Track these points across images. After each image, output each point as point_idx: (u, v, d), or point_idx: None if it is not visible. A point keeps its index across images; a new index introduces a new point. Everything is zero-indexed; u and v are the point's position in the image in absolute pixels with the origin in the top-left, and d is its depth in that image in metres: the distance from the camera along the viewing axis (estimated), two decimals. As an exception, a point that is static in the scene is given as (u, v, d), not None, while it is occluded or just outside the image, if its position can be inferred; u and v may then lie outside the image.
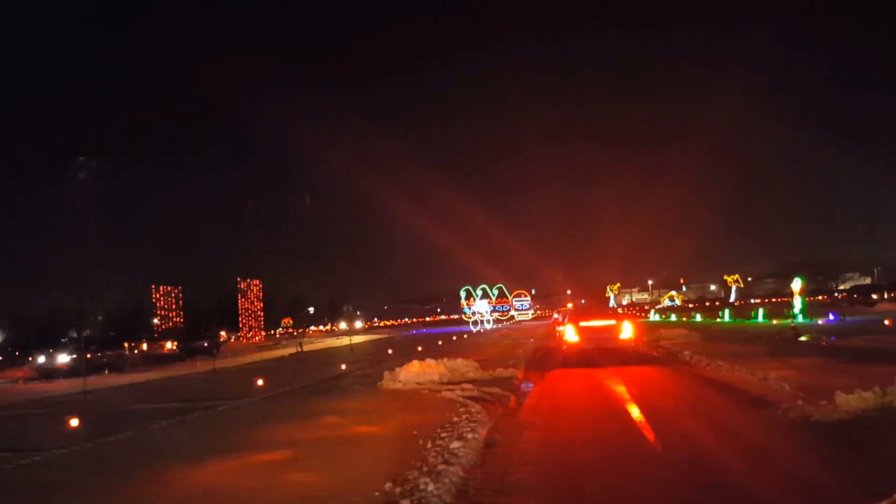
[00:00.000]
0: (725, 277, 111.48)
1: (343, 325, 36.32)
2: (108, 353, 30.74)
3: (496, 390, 12.77)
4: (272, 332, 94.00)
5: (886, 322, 26.92)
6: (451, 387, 13.96)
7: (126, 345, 34.52)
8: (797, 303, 36.66)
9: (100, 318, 45.53)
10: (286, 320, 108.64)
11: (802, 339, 23.79)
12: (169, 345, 35.89)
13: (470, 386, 13.52)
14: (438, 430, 8.44)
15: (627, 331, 19.94)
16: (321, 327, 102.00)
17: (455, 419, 9.28)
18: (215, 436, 9.99)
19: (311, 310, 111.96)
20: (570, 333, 20.11)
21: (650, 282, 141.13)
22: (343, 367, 21.83)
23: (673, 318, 58.27)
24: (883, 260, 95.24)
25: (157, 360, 34.97)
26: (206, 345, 37.18)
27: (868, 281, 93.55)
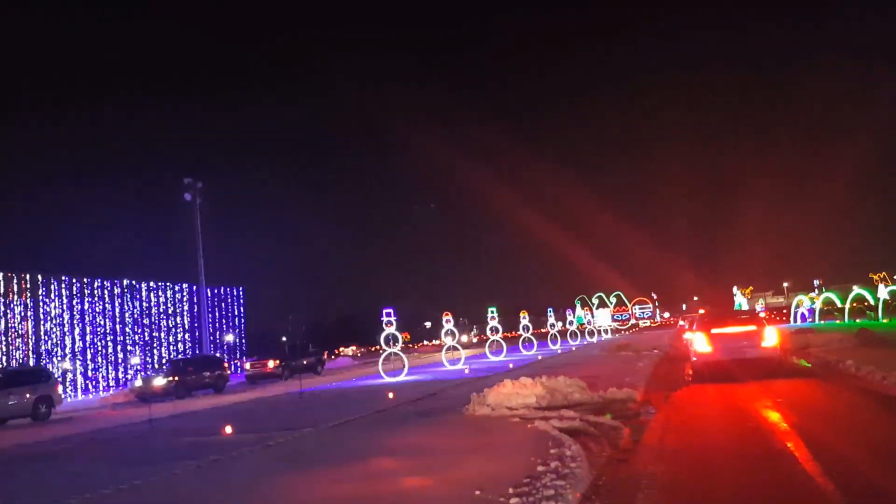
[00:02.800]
0: (871, 276, 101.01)
1: (449, 340, 34.17)
2: (205, 374, 30.04)
3: (605, 419, 9.95)
4: (379, 348, 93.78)
5: None
6: (548, 413, 11.26)
7: (226, 365, 33.71)
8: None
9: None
10: (404, 335, 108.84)
11: None
12: (271, 363, 34.84)
13: (571, 413, 10.74)
14: (510, 491, 5.82)
15: (771, 337, 16.47)
16: (434, 342, 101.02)
17: (540, 468, 6.62)
18: (218, 491, 7.67)
19: (429, 324, 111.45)
20: (699, 343, 16.94)
21: (785, 284, 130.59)
22: (433, 388, 19.49)
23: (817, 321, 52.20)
24: None
25: (260, 379, 34.12)
26: (305, 363, 35.98)
27: None
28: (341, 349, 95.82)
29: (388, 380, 24.61)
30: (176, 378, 28.07)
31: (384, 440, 9.79)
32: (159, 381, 27.71)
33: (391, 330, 27.00)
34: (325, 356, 53.25)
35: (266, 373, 34.42)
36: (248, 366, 36.40)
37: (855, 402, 10.38)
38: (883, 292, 50.07)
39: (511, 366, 26.16)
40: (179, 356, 40.24)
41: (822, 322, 48.49)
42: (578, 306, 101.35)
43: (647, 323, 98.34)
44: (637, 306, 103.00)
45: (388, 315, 26.92)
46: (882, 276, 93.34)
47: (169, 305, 43.64)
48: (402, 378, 24.96)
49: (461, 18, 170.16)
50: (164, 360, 38.27)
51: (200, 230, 43.59)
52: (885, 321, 40.03)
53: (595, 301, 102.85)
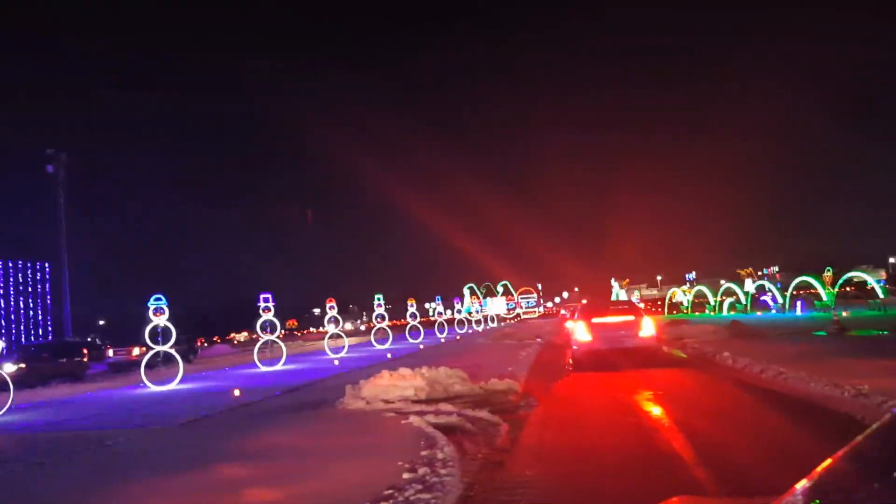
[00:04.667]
0: (738, 271, 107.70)
1: (332, 328, 32.70)
2: (61, 361, 27.37)
3: (484, 414, 9.29)
4: (268, 334, 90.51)
5: None
6: (426, 407, 10.53)
7: (86, 351, 30.88)
8: (829, 294, 33.14)
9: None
10: (290, 322, 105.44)
11: (847, 333, 20.30)
12: (136, 350, 32.27)
13: (450, 407, 10.04)
14: (368, 506, 4.98)
15: (649, 328, 16.71)
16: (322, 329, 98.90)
17: (407, 475, 5.81)
18: None
19: (317, 311, 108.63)
20: (580, 332, 16.89)
21: (659, 277, 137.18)
22: (309, 378, 18.40)
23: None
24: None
25: (125, 367, 31.57)
26: (173, 351, 33.58)
27: (883, 274, 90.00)
28: (233, 335, 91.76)
29: (263, 369, 23.27)
30: (24, 366, 25.33)
31: (241, 440, 8.69)
32: (9, 368, 24.93)
33: (268, 316, 25.60)
34: (200, 343, 50.59)
35: (130, 360, 31.92)
36: (110, 353, 33.66)
37: (738, 397, 10.22)
38: (750, 286, 53.10)
39: (389, 356, 25.05)
40: (40, 341, 36.74)
41: (696, 314, 50.83)
42: (467, 295, 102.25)
43: (534, 313, 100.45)
44: (522, 296, 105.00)
45: (266, 301, 25.48)
46: (749, 272, 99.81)
47: (29, 286, 39.96)
48: (278, 367, 23.66)
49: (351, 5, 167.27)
50: (13, 346, 34.80)
51: (64, 205, 40.17)
52: (757, 313, 42.35)
53: (483, 290, 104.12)
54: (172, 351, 22.23)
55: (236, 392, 14.45)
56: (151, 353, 22.75)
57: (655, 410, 9.15)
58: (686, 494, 2.91)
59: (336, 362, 24.44)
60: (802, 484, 1.57)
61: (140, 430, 10.89)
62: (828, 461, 1.57)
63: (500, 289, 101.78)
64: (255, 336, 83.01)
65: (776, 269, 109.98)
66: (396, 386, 12.26)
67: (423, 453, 6.75)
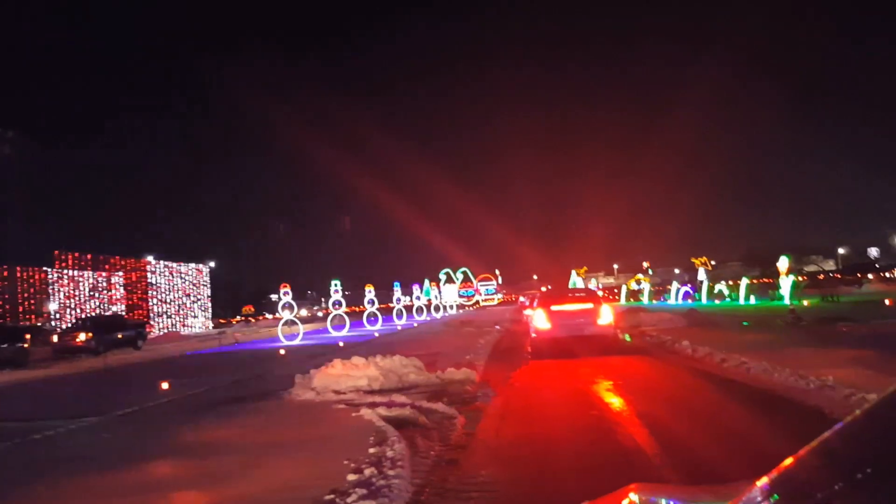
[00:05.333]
0: (693, 259, 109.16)
1: (286, 314, 31.72)
2: (1, 347, 26.09)
3: (439, 406, 8.83)
4: (225, 320, 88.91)
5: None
6: (379, 398, 10.05)
7: (27, 336, 29.55)
8: (785, 283, 33.52)
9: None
10: (247, 308, 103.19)
11: (803, 323, 20.38)
12: (82, 336, 31.04)
13: (403, 399, 9.56)
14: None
15: (607, 315, 16.53)
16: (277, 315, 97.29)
17: (351, 477, 5.31)
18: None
19: (274, 297, 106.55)
20: (539, 319, 16.63)
21: (615, 266, 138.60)
22: (261, 365, 17.75)
23: (645, 300, 55.20)
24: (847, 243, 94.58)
25: (70, 352, 30.36)
26: (122, 336, 32.43)
27: (831, 265, 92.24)
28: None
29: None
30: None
31: (180, 434, 8.09)
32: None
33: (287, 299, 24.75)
34: (150, 329, 49.16)
35: (76, 346, 30.71)
36: (54, 338, 32.34)
37: (699, 388, 9.91)
38: (703, 275, 53.70)
39: (341, 343, 24.06)
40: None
41: (654, 302, 51.24)
42: (427, 281, 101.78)
43: (494, 300, 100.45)
44: (482, 283, 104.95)
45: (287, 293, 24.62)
46: (703, 261, 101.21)
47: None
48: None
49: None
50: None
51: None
52: (715, 302, 42.75)
53: (443, 277, 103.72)
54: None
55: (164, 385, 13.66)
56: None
57: (616, 402, 8.79)
58: (643, 481, 2.67)
59: (282, 351, 23.65)
60: (763, 481, 1.51)
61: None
62: (789, 459, 1.50)
63: (459, 276, 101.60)
64: (218, 321, 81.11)
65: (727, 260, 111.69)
66: (349, 376, 11.75)
67: (372, 450, 6.26)
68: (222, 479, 5.65)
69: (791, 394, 8.39)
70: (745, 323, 21.52)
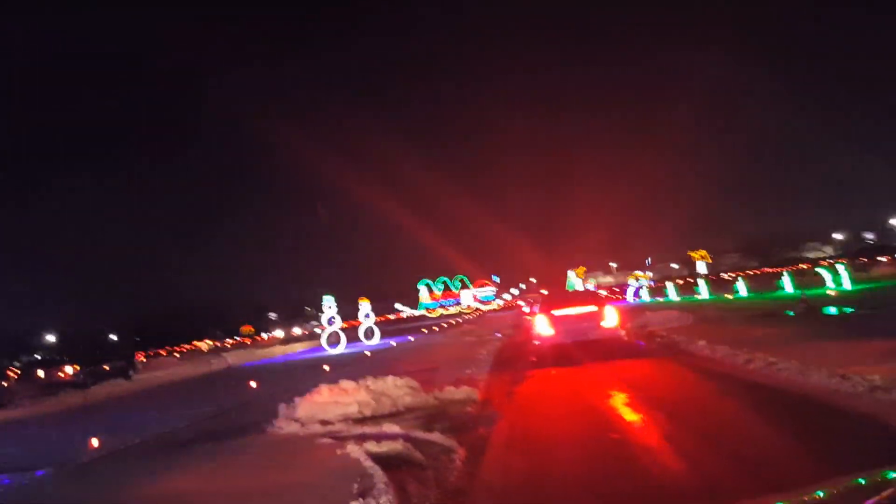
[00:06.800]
0: (690, 253, 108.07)
1: (275, 334, 30.53)
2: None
3: (436, 437, 7.74)
4: (222, 343, 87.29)
5: None
6: (369, 428, 8.97)
7: (10, 373, 28.49)
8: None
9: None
10: (245, 328, 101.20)
11: (816, 313, 19.32)
12: (69, 369, 29.99)
13: (396, 429, 8.45)
14: None
15: (612, 317, 15.81)
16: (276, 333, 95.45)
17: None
18: None
19: (273, 315, 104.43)
20: (542, 325, 15.89)
21: (613, 264, 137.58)
22: (252, 389, 16.65)
23: (646, 298, 54.12)
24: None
25: (57, 387, 29.24)
26: (108, 368, 31.32)
27: (830, 251, 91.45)
28: (195, 343, 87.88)
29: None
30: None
31: (127, 488, 6.98)
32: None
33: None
34: (144, 356, 47.89)
35: (63, 381, 29.68)
36: (40, 373, 31.20)
37: (727, 396, 8.78)
38: (702, 269, 52.84)
39: (326, 368, 20.90)
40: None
41: (653, 299, 50.16)
42: (424, 290, 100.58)
43: (492, 304, 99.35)
44: (479, 288, 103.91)
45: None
46: (702, 254, 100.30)
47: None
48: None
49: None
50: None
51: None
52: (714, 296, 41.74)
53: (440, 286, 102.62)
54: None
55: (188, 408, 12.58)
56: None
57: (637, 420, 7.73)
58: None
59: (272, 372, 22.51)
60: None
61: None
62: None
63: (457, 283, 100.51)
64: (218, 344, 79.61)
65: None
66: (337, 402, 10.65)
67: (354, 502, 5.19)
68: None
69: (836, 400, 7.33)
70: (756, 316, 20.45)
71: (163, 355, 59.26)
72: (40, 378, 31.02)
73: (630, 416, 8.01)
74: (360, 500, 5.30)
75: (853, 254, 56.06)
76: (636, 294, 50.21)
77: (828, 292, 27.36)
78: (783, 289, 35.47)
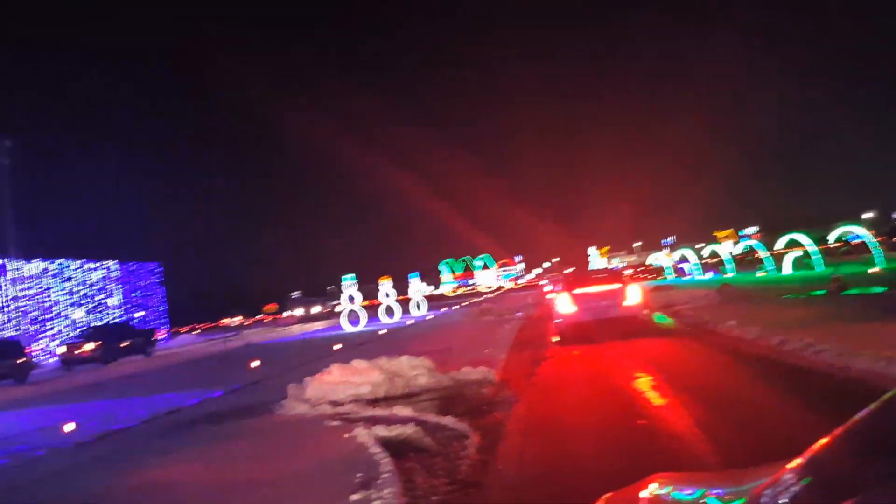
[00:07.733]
0: (716, 234, 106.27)
1: (294, 312, 30.23)
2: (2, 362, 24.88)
3: (449, 420, 7.25)
4: (247, 320, 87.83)
5: None
6: (380, 410, 8.53)
7: (28, 350, 28.37)
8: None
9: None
10: (269, 307, 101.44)
11: (853, 292, 18.51)
12: (89, 346, 29.86)
13: (408, 412, 7.98)
14: None
15: (635, 295, 15.29)
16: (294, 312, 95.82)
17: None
18: None
19: (296, 294, 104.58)
20: (563, 304, 15.41)
21: (636, 244, 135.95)
22: (256, 370, 16.30)
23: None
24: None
25: (77, 364, 29.24)
26: (129, 344, 31.21)
27: (863, 230, 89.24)
28: (228, 319, 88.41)
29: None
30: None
31: (122, 475, 6.57)
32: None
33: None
34: (164, 333, 48.09)
35: (83, 357, 29.58)
36: (63, 349, 31.14)
37: (761, 379, 8.24)
38: (730, 248, 51.67)
39: (336, 347, 19.75)
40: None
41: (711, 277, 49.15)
42: (446, 269, 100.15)
43: (514, 283, 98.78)
44: (502, 269, 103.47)
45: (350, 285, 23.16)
46: (728, 234, 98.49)
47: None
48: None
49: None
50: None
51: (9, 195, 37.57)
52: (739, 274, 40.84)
53: (461, 265, 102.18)
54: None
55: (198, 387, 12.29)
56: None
57: (666, 406, 7.15)
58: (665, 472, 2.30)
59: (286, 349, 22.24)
60: (795, 462, 1.46)
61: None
62: (823, 440, 1.43)
63: (479, 263, 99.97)
64: (248, 321, 79.63)
65: (755, 229, 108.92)
66: (348, 382, 10.22)
67: (354, 498, 4.71)
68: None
69: (886, 385, 6.70)
70: (787, 296, 19.67)
71: (184, 332, 59.70)
72: (61, 354, 31.02)
73: (658, 400, 7.44)
74: (362, 491, 4.83)
75: (885, 234, 54.35)
76: (688, 273, 50.59)
77: (868, 271, 26.43)
78: (814, 268, 34.57)
